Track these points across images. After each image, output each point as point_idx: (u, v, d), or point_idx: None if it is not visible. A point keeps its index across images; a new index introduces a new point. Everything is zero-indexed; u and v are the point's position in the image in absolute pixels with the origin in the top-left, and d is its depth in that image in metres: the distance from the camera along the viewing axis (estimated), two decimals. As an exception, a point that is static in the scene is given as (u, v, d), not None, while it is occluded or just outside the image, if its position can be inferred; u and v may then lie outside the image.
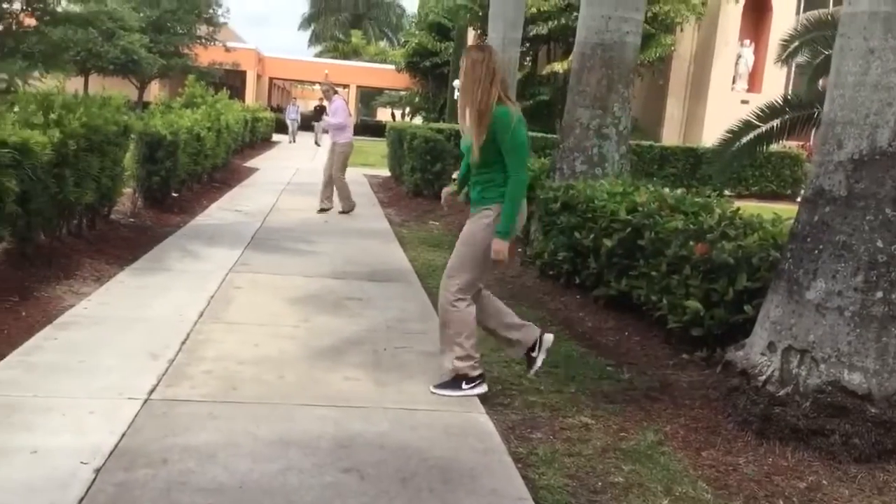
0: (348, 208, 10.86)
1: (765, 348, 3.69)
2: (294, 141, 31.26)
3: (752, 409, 3.62)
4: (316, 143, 29.18)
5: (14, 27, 24.26)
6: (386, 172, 17.94)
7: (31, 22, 24.74)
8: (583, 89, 7.60)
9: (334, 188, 10.90)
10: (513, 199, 3.89)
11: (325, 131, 13.08)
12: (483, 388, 4.06)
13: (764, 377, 3.61)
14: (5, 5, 23.22)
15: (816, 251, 3.57)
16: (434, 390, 4.04)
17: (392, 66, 39.80)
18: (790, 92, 19.07)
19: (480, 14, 24.67)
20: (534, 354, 4.12)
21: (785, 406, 3.51)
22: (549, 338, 4.16)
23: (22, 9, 24.63)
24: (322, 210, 10.85)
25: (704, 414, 3.86)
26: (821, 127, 3.80)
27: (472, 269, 3.99)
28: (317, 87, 19.18)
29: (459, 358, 4.01)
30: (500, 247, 3.90)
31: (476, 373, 4.05)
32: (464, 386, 4.02)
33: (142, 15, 31.59)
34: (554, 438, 3.54)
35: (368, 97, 55.09)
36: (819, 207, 3.62)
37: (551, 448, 3.44)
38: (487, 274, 4.20)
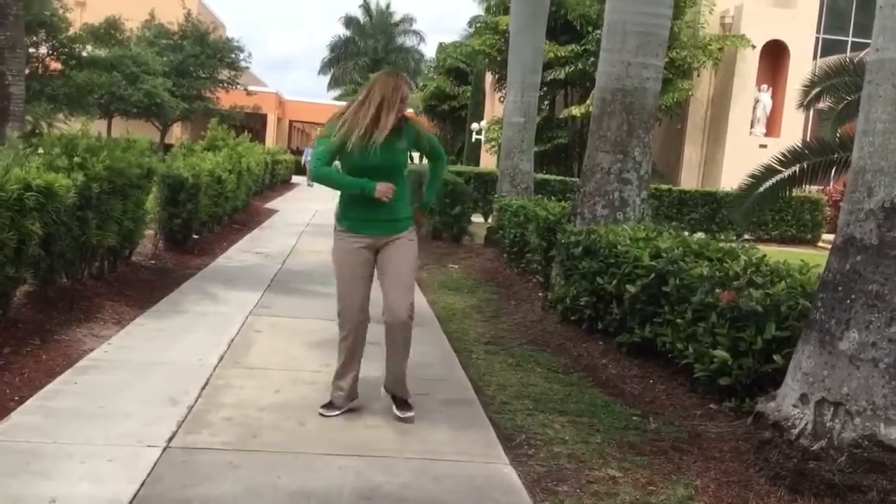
0: None
1: (797, 400, 3.59)
2: (312, 185, 31.42)
3: (785, 463, 3.51)
4: None
5: (40, 71, 24.77)
6: (404, 215, 17.94)
7: (56, 66, 25.26)
8: (603, 134, 7.59)
9: None
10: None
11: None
12: None
13: (797, 430, 3.51)
14: (32, 50, 23.72)
15: (848, 301, 3.50)
16: (406, 415, 4.17)
17: (410, 110, 40.20)
18: (809, 136, 19.00)
19: (498, 59, 24.92)
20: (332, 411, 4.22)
21: (819, 460, 3.41)
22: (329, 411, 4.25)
23: (48, 53, 25.18)
24: None
25: (735, 467, 3.75)
26: (849, 174, 3.74)
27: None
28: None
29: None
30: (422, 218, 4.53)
31: None
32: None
33: (165, 59, 32.18)
34: (581, 492, 3.45)
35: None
36: (850, 256, 3.55)
37: (578, 503, 3.35)
38: None
